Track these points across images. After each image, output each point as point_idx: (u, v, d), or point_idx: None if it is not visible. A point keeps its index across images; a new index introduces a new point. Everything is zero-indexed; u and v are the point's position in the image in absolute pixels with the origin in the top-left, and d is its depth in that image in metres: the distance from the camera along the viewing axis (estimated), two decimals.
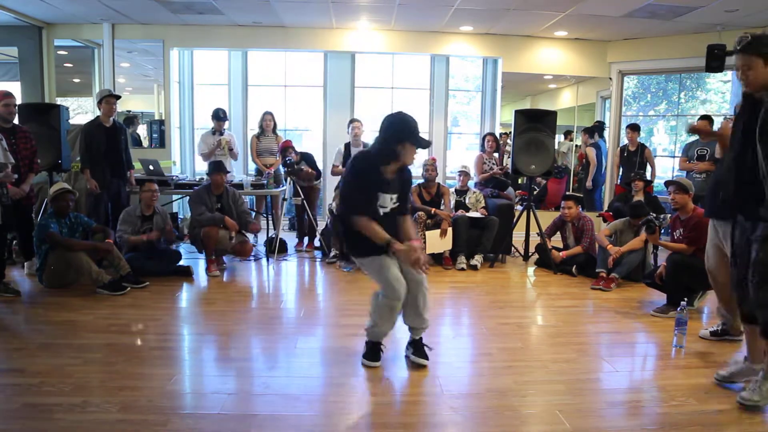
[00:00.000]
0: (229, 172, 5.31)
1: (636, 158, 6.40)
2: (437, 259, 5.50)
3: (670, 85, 8.35)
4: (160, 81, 7.13)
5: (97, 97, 5.19)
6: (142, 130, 7.48)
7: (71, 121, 5.91)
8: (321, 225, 6.28)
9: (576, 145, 7.85)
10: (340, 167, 5.98)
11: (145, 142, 7.40)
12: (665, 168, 7.94)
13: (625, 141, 7.11)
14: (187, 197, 5.97)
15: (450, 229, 5.44)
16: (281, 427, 2.37)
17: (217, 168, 5.14)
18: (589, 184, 7.33)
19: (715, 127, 5.84)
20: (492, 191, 6.23)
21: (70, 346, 3.19)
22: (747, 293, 2.55)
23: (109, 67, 6.90)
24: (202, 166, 7.82)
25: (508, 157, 6.45)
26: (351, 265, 5.37)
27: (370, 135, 6.88)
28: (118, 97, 5.24)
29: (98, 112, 5.19)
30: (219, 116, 6.19)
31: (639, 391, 2.87)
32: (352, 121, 6.19)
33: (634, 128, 6.49)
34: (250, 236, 5.64)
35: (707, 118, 5.91)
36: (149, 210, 4.94)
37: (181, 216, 7.05)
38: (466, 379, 2.97)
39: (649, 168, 6.53)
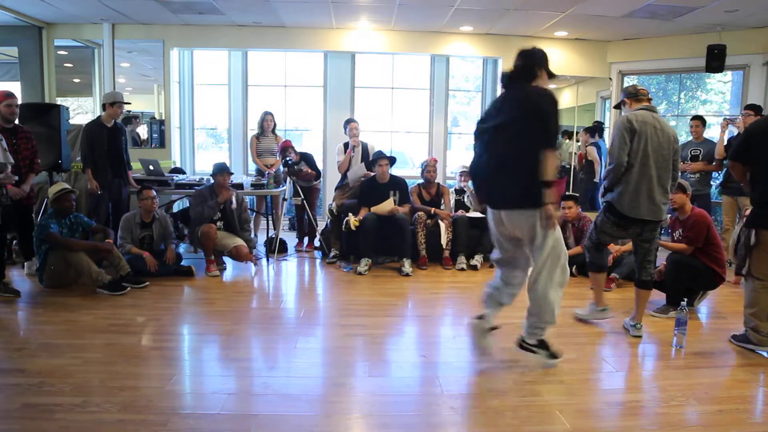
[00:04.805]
0: (232, 173, 5.32)
1: None
2: (437, 258, 5.50)
3: (670, 85, 8.35)
4: (160, 81, 7.13)
5: (107, 98, 5.12)
6: (141, 130, 7.47)
7: (71, 121, 5.90)
8: (321, 225, 6.28)
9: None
10: (346, 157, 5.93)
11: (144, 136, 7.38)
12: None
13: None
14: (187, 197, 5.98)
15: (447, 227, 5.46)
16: (281, 427, 2.37)
17: (219, 169, 5.15)
18: (596, 178, 7.31)
19: (715, 128, 5.85)
20: None
21: (70, 346, 3.19)
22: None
23: (109, 67, 6.90)
24: (202, 166, 7.84)
25: None
26: (351, 265, 5.38)
27: (368, 135, 6.89)
28: (128, 104, 5.29)
29: (98, 112, 5.19)
30: None
31: (639, 391, 2.88)
32: (348, 121, 6.15)
33: None
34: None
35: (699, 119, 5.90)
36: (149, 217, 4.94)
37: None
38: (466, 379, 2.97)
39: None
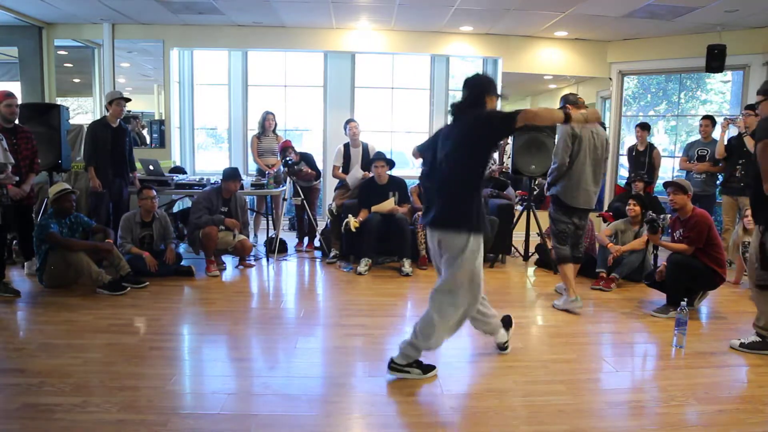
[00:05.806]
0: (242, 180, 5.35)
1: (644, 158, 6.34)
2: None
3: (670, 85, 8.34)
4: (160, 81, 7.12)
5: (107, 98, 5.16)
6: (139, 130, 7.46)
7: (71, 121, 5.90)
8: (321, 225, 6.28)
9: None
10: (341, 170, 5.97)
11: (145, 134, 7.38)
12: (665, 168, 7.92)
13: (630, 141, 7.08)
14: (186, 197, 5.98)
15: None
16: (281, 427, 2.37)
17: (233, 175, 5.16)
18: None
19: (716, 129, 5.85)
20: (492, 191, 6.22)
21: (70, 346, 3.19)
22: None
23: (109, 67, 6.90)
24: (202, 166, 7.84)
25: (508, 157, 6.45)
26: (351, 265, 5.38)
27: (368, 135, 6.89)
28: (129, 100, 5.28)
29: (98, 112, 5.19)
30: None
31: (639, 391, 2.87)
32: (348, 121, 6.15)
33: (643, 127, 6.41)
34: (250, 236, 5.64)
35: (709, 118, 5.90)
36: (148, 216, 4.94)
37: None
38: (466, 379, 2.97)
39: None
